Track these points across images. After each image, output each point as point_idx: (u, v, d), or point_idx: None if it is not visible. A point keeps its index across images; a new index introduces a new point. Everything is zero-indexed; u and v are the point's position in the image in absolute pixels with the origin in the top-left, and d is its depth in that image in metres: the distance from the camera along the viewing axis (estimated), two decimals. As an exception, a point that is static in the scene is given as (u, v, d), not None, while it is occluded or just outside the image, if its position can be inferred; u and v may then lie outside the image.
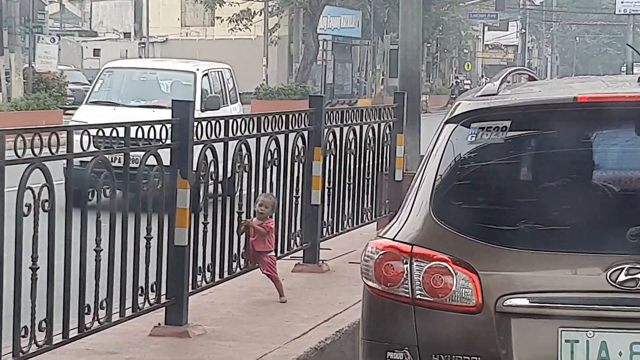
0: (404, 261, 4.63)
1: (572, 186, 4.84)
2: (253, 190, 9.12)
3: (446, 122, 4.97)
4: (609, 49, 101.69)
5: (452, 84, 74.48)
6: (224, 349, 7.54)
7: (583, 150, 4.90)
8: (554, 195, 4.86)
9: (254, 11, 58.80)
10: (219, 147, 8.51)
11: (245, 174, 8.98)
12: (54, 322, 6.52)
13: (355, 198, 11.54)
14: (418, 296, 4.60)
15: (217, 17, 63.55)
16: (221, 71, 22.71)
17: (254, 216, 8.96)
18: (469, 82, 73.23)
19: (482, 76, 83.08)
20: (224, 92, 21.83)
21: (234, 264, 8.90)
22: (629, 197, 4.81)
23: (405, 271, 4.62)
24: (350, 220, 11.45)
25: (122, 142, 7.27)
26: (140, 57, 70.83)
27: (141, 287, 7.51)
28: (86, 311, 6.86)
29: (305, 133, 10.18)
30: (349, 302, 8.62)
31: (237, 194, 8.93)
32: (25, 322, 6.23)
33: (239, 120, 9.13)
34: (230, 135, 8.81)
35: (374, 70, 68.07)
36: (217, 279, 8.65)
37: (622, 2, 72.18)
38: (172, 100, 8.39)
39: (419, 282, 4.59)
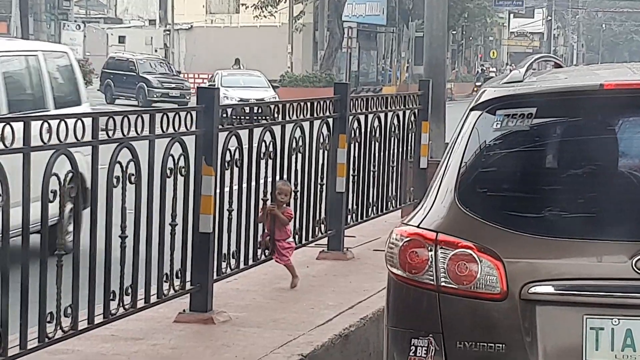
0: (429, 248, 4.65)
1: (597, 174, 4.84)
2: (278, 177, 9.13)
3: (471, 109, 4.98)
4: (635, 37, 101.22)
5: (478, 72, 74.39)
6: (249, 336, 7.55)
7: (609, 137, 4.89)
8: (580, 183, 4.86)
9: (278, 0, 58.81)
10: (244, 134, 8.52)
11: (270, 161, 8.98)
12: (79, 309, 6.56)
13: (379, 185, 11.53)
14: (443, 283, 4.61)
15: (242, 4, 63.62)
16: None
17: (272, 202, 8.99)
18: (494, 69, 73.09)
19: (508, 64, 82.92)
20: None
21: (259, 251, 8.91)
22: None
23: (430, 258, 4.64)
24: (374, 208, 11.44)
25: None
26: (165, 44, 71.10)
27: (166, 274, 7.53)
28: (111, 297, 6.89)
29: (330, 120, 10.17)
30: (373, 290, 8.62)
31: (262, 181, 8.93)
32: (51, 308, 6.27)
33: (264, 107, 9.17)
34: (256, 121, 8.88)
35: (399, 58, 68.01)
36: (241, 266, 8.66)
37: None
38: (198, 87, 8.39)
39: (443, 270, 4.61)
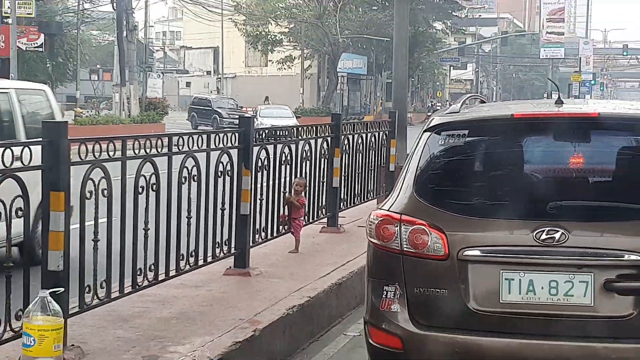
0: (395, 225, 4.63)
1: (510, 174, 4.85)
2: (293, 177, 9.15)
3: (424, 131, 4.97)
4: (535, 82, 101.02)
5: (429, 106, 74.16)
6: (273, 284, 7.55)
7: (517, 150, 4.89)
8: (497, 181, 4.86)
9: (294, 56, 58.80)
10: (270, 148, 8.54)
11: (288, 166, 9.02)
12: (159, 265, 6.59)
13: (362, 183, 11.54)
14: (405, 248, 4.60)
15: (269, 60, 63.57)
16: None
17: (292, 193, 9.01)
18: (440, 104, 72.75)
19: (448, 100, 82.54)
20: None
21: (280, 228, 8.93)
22: (549, 182, 4.79)
23: (396, 232, 4.62)
24: (358, 198, 11.44)
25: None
26: (217, 88, 71.10)
27: (218, 242, 7.52)
28: (181, 258, 6.89)
29: (329, 139, 10.17)
30: (358, 253, 8.61)
31: (282, 180, 8.96)
32: (140, 265, 6.27)
33: (284, 130, 9.23)
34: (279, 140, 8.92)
35: (375, 96, 67.95)
36: (268, 237, 8.67)
37: (544, 50, 71.83)
38: (239, 116, 8.38)
39: (405, 239, 4.60)
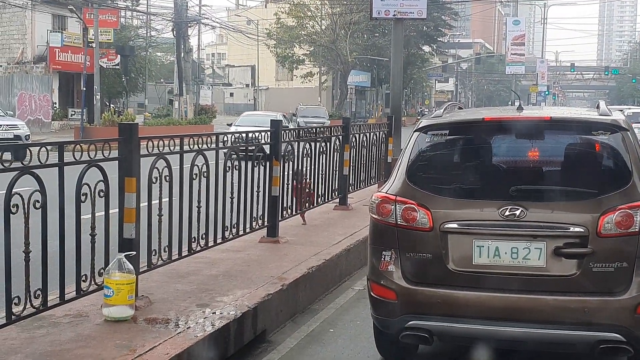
0: (391, 204, 4.60)
1: (481, 165, 4.81)
2: (312, 168, 9.12)
3: (415, 131, 4.94)
4: (502, 93, 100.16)
5: (419, 111, 73.74)
6: (297, 249, 7.55)
7: (487, 146, 4.85)
8: (471, 170, 4.83)
9: (313, 72, 58.59)
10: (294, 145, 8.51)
11: (308, 159, 8.98)
12: (210, 234, 6.58)
13: (366, 171, 11.49)
14: (399, 222, 4.57)
15: (295, 75, 63.40)
16: None
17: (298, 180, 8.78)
18: (427, 110, 72.33)
19: (434, 107, 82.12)
20: None
21: (302, 206, 8.89)
22: (512, 171, 4.77)
23: (392, 209, 4.60)
24: (363, 183, 11.40)
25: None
26: (254, 97, 70.87)
27: (254, 217, 7.53)
28: (226, 229, 6.91)
29: (340, 137, 10.14)
30: (362, 225, 8.60)
31: (305, 169, 8.93)
32: (194, 234, 6.28)
33: (306, 130, 9.21)
34: (300, 138, 8.89)
35: (377, 104, 67.61)
36: (293, 213, 8.65)
37: (509, 67, 71.20)
38: (270, 119, 8.36)
39: (399, 215, 4.57)
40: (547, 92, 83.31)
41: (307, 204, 8.97)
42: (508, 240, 4.34)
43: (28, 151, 4.45)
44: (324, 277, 7.03)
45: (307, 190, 8.91)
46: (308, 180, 8.96)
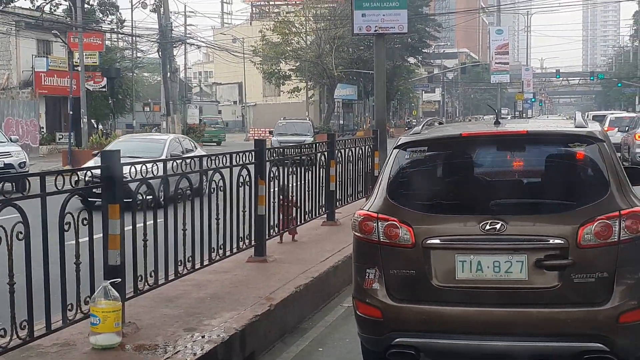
0: (374, 222, 4.61)
1: (460, 180, 4.85)
2: (297, 184, 9.12)
3: (394, 148, 4.96)
4: (489, 101, 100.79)
5: (407, 122, 73.97)
6: (285, 267, 7.55)
7: (467, 160, 4.88)
8: (452, 185, 4.86)
9: (300, 87, 58.69)
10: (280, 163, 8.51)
11: (294, 176, 8.99)
12: (195, 258, 6.58)
13: (353, 185, 11.53)
14: (381, 239, 4.57)
15: (282, 91, 63.52)
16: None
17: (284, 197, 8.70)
18: (415, 121, 72.57)
19: (421, 117, 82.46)
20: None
21: (289, 224, 8.90)
22: (491, 185, 4.81)
23: (374, 227, 4.60)
24: (351, 197, 11.43)
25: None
26: (242, 114, 70.86)
27: (241, 237, 7.54)
28: (213, 250, 6.92)
29: (326, 153, 10.17)
30: (351, 241, 8.50)
31: (292, 185, 8.93)
32: (180, 257, 6.28)
33: (290, 148, 9.24)
34: (286, 156, 8.90)
35: (364, 116, 67.81)
36: (281, 231, 8.66)
37: (493, 77, 71.56)
38: (255, 139, 8.35)
39: (381, 232, 4.57)
40: (533, 100, 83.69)
41: (294, 221, 8.94)
42: (490, 254, 4.35)
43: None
44: (312, 296, 7.02)
45: (293, 207, 8.88)
46: (293, 196, 8.93)
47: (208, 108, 65.59)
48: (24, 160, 21.43)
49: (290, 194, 8.69)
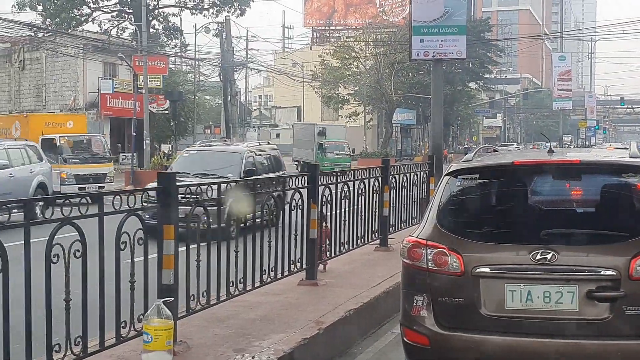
0: (423, 249, 4.63)
1: (511, 208, 4.82)
2: (351, 209, 9.14)
3: (445, 175, 4.99)
4: (551, 128, 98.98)
5: (465, 147, 73.37)
6: (336, 292, 7.57)
7: (517, 189, 4.86)
8: (502, 213, 4.83)
9: (358, 112, 58.86)
10: (332, 187, 8.53)
11: (346, 200, 9.00)
12: (247, 280, 6.66)
13: (407, 211, 11.48)
14: (430, 266, 4.59)
15: (340, 115, 63.82)
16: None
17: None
18: (475, 146, 71.96)
19: (481, 143, 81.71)
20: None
21: (341, 248, 8.95)
22: (542, 214, 4.77)
23: (423, 254, 4.62)
24: (405, 223, 11.36)
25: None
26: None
27: (292, 260, 7.60)
28: (264, 273, 7.00)
29: (380, 178, 10.18)
30: (403, 267, 8.56)
31: (344, 210, 8.93)
32: (232, 278, 6.38)
33: (343, 173, 9.27)
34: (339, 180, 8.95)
35: (423, 141, 67.55)
36: (332, 255, 8.69)
37: (555, 103, 70.42)
38: (308, 164, 8.39)
39: (430, 259, 4.59)
40: (597, 127, 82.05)
41: (327, 252, 8.63)
42: (540, 284, 4.33)
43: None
44: (362, 321, 7.02)
45: (326, 237, 8.49)
46: (327, 226, 8.53)
47: (264, 135, 66.20)
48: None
49: (325, 222, 8.31)
